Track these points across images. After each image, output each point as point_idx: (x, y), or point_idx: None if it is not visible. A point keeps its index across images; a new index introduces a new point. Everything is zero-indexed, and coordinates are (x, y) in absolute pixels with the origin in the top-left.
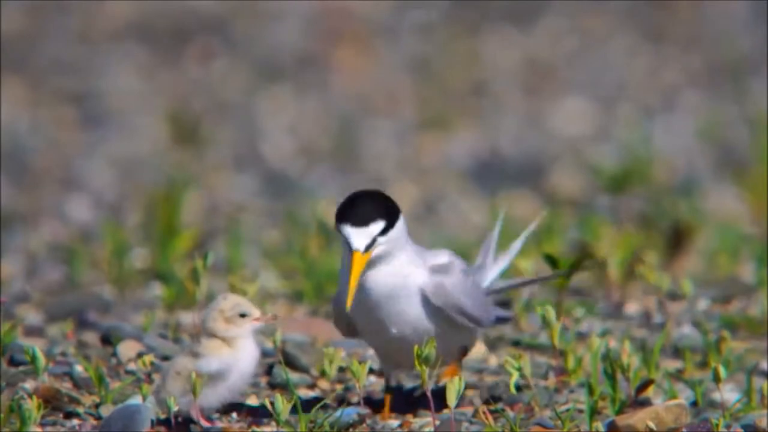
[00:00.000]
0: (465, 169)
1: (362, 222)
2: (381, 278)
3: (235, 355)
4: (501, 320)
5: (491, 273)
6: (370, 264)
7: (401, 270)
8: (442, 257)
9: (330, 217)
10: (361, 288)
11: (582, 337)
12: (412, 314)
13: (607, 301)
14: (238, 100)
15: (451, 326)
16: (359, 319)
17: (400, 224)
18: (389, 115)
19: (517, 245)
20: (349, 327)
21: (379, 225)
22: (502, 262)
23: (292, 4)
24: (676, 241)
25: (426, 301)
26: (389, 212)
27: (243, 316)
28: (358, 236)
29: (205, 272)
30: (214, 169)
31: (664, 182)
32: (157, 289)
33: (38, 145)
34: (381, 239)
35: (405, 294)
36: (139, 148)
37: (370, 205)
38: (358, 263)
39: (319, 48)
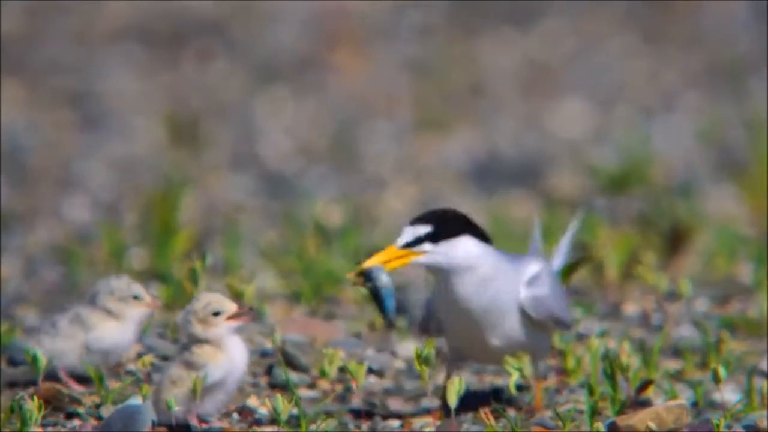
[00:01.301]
0: (463, 170)
1: (412, 222)
2: (473, 290)
3: (230, 358)
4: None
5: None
6: (455, 275)
7: (494, 284)
8: (533, 266)
9: (328, 217)
10: (455, 299)
11: (581, 337)
12: (508, 326)
13: (606, 302)
14: (236, 101)
15: (544, 331)
16: (450, 326)
17: (468, 243)
18: (387, 116)
19: (565, 243)
20: (436, 328)
21: (425, 228)
22: (559, 260)
23: (290, 5)
24: (675, 241)
25: (525, 314)
26: (450, 223)
27: (216, 314)
28: (404, 233)
29: (203, 272)
30: (211, 169)
31: (662, 183)
32: (155, 290)
33: (36, 145)
34: (429, 247)
35: (503, 309)
36: (137, 148)
37: (429, 213)
38: (386, 252)
39: (317, 49)
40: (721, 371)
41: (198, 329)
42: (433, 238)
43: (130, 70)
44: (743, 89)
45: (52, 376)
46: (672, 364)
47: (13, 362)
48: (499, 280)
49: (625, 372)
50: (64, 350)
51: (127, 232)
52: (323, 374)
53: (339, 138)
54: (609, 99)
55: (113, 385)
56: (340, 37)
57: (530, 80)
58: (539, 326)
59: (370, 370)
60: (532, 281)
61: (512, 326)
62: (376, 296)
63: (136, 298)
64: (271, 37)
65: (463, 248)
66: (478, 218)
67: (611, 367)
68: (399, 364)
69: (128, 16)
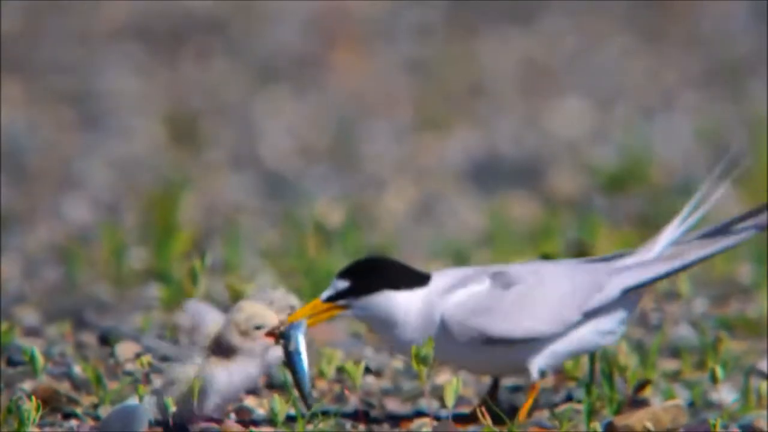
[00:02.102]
0: (463, 170)
1: (337, 275)
2: (405, 338)
3: (229, 367)
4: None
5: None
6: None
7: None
8: (467, 288)
9: (328, 217)
10: (393, 344)
11: None
12: (457, 355)
13: None
14: (236, 101)
15: (501, 351)
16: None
17: (385, 297)
18: (387, 115)
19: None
20: None
21: (344, 283)
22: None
23: (289, 4)
24: None
25: (453, 337)
26: (368, 277)
27: (258, 328)
28: (331, 285)
29: (203, 273)
30: (211, 169)
31: (662, 183)
32: (155, 290)
33: (36, 145)
34: (349, 302)
35: (438, 341)
36: (136, 148)
37: (349, 269)
38: (312, 306)
39: (316, 49)
40: (719, 371)
41: (237, 340)
42: (352, 293)
43: (129, 69)
44: (742, 89)
45: None
46: (670, 364)
47: (12, 362)
48: (424, 320)
49: (622, 372)
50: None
51: (127, 232)
52: (321, 374)
53: (339, 138)
54: (609, 98)
55: (111, 385)
56: (339, 37)
57: (530, 80)
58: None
59: (368, 370)
60: (457, 305)
61: (444, 349)
62: (289, 363)
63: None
64: (270, 36)
65: (383, 303)
66: (477, 218)
67: (609, 367)
68: (397, 364)
69: (128, 16)
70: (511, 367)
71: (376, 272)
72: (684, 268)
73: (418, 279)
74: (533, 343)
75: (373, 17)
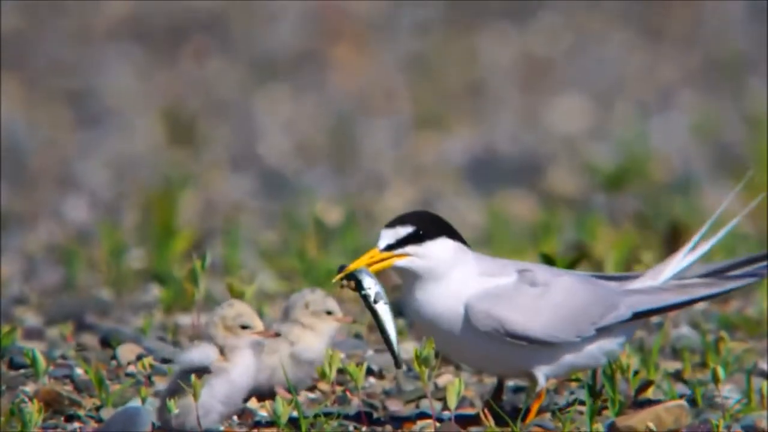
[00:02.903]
0: (462, 168)
1: (391, 224)
2: (433, 299)
3: (226, 367)
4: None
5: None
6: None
7: (451, 291)
8: (502, 277)
9: (327, 216)
10: (417, 306)
11: None
12: (463, 340)
13: None
14: (235, 99)
15: (516, 348)
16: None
17: (446, 244)
18: (386, 113)
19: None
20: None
21: (407, 229)
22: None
23: (288, 3)
24: (673, 239)
25: (472, 326)
26: (429, 225)
27: (245, 327)
28: (383, 236)
29: (203, 273)
30: (210, 168)
31: (661, 180)
32: (155, 291)
33: (35, 145)
34: (412, 249)
35: (451, 319)
36: (135, 147)
37: (408, 215)
38: (368, 256)
39: (315, 46)
40: (720, 371)
41: (220, 335)
42: (415, 239)
43: (128, 68)
44: (741, 86)
45: None
46: (671, 365)
47: (13, 365)
48: (458, 284)
49: (624, 372)
50: (276, 366)
51: (127, 232)
52: (323, 376)
53: (338, 136)
54: (607, 96)
55: (113, 387)
56: (338, 35)
57: (528, 76)
58: (501, 341)
59: (370, 372)
60: (483, 293)
61: (467, 340)
62: (375, 315)
63: (329, 313)
64: (269, 34)
65: (446, 249)
66: (476, 216)
67: (611, 368)
68: None
69: (126, 15)
70: (517, 369)
71: (436, 220)
72: (691, 302)
73: (465, 241)
74: (546, 348)
75: (371, 15)
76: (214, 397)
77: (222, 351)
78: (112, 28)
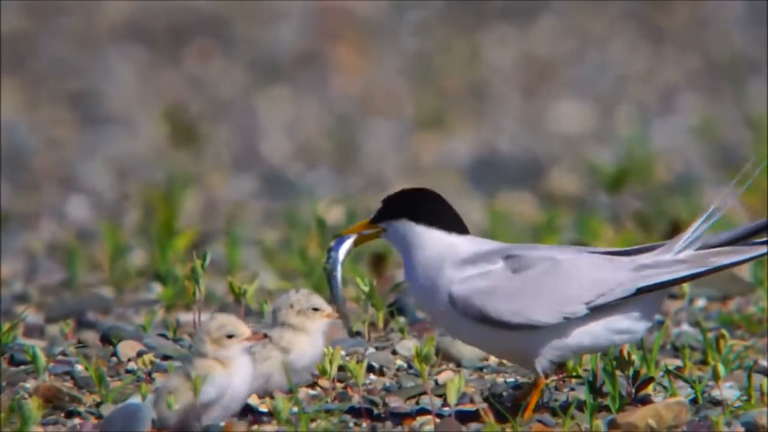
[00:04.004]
0: (463, 169)
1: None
2: (414, 274)
3: (229, 377)
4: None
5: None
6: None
7: (429, 272)
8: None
9: (329, 217)
10: (407, 279)
11: None
12: (447, 321)
13: None
14: (237, 100)
15: (498, 332)
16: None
17: (405, 227)
18: (388, 114)
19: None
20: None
21: (382, 205)
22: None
23: (290, 3)
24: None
25: (455, 311)
26: (397, 204)
27: (231, 336)
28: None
29: (203, 272)
30: (212, 169)
31: (662, 181)
32: (157, 289)
33: (37, 145)
34: (385, 224)
35: (436, 300)
36: (137, 148)
37: (399, 192)
38: (359, 225)
39: (317, 48)
40: (720, 369)
41: (209, 349)
42: (384, 216)
43: (130, 69)
44: (742, 88)
45: None
46: (672, 362)
47: (14, 362)
48: (434, 269)
49: (625, 369)
50: (271, 373)
51: (129, 231)
52: (323, 372)
53: (340, 136)
54: (609, 97)
55: (113, 384)
56: (340, 36)
57: (530, 78)
58: (484, 325)
59: (370, 369)
60: (465, 281)
61: (451, 322)
62: (328, 275)
63: (316, 309)
64: (271, 35)
65: (403, 230)
66: (478, 217)
67: (611, 365)
68: (400, 362)
69: (128, 16)
70: (514, 355)
71: (407, 200)
72: (702, 274)
73: (450, 224)
74: (534, 332)
75: (373, 16)
76: (212, 401)
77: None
78: (114, 29)
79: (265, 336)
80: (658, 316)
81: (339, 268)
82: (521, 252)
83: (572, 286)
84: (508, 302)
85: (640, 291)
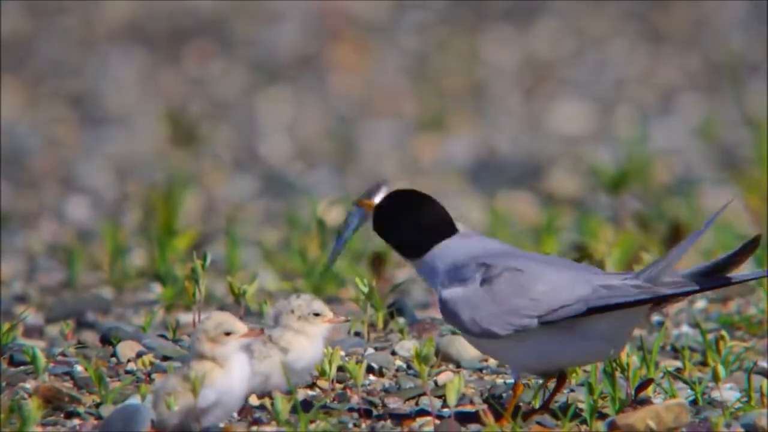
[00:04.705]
0: (463, 170)
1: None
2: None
3: (228, 379)
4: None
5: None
6: None
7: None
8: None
9: (329, 217)
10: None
11: None
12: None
13: None
14: (237, 101)
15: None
16: None
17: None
18: (388, 115)
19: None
20: None
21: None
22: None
23: (290, 4)
24: (674, 240)
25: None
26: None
27: (228, 334)
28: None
29: (204, 273)
30: (212, 169)
31: (662, 182)
32: (157, 290)
33: (37, 145)
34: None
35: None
36: (137, 148)
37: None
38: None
39: (317, 48)
40: (720, 370)
41: (207, 347)
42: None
43: (130, 70)
44: (742, 88)
45: None
46: (671, 363)
47: (14, 362)
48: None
49: (624, 371)
50: (270, 372)
51: (128, 232)
52: (323, 373)
53: (339, 137)
54: (608, 98)
55: (113, 384)
56: (340, 37)
57: (530, 79)
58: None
59: (370, 369)
60: (448, 293)
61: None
62: (339, 232)
63: (317, 314)
64: (271, 36)
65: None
66: (478, 217)
67: (611, 366)
68: (399, 362)
69: (128, 16)
70: (500, 360)
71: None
72: (653, 299)
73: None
74: (497, 342)
75: (373, 17)
76: (213, 404)
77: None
78: (114, 29)
79: (263, 331)
80: (658, 317)
81: (352, 229)
82: (492, 260)
83: (525, 298)
84: (472, 311)
85: (590, 311)
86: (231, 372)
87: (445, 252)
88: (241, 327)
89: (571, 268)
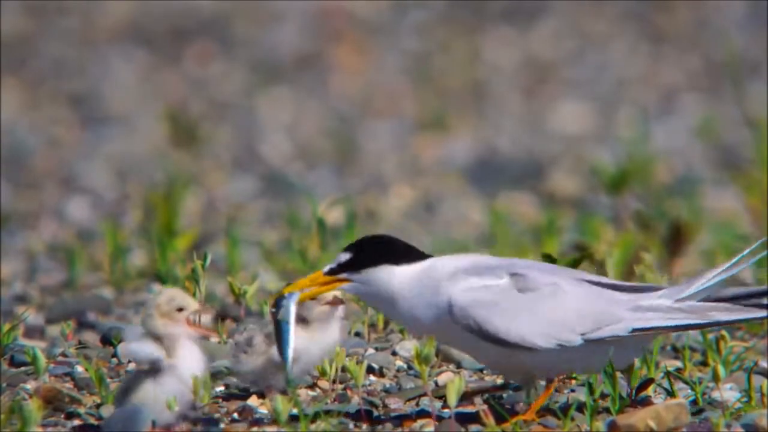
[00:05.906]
0: (464, 170)
1: (344, 248)
2: (401, 313)
3: (172, 361)
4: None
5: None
6: None
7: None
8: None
9: (329, 217)
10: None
11: None
12: (454, 340)
13: None
14: (237, 101)
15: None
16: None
17: (384, 272)
18: (388, 115)
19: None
20: None
21: (346, 255)
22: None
23: (290, 4)
24: (675, 240)
25: (457, 325)
26: (368, 251)
27: (180, 310)
28: (334, 259)
29: (204, 273)
30: (213, 169)
31: (662, 182)
32: (157, 290)
33: (38, 145)
34: (348, 275)
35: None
36: (138, 148)
37: (359, 240)
38: (311, 278)
39: (317, 48)
40: (721, 370)
41: (159, 324)
42: (353, 266)
43: (131, 70)
44: (742, 88)
45: None
46: (672, 363)
47: (14, 362)
48: (427, 299)
49: (625, 371)
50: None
51: (129, 232)
52: (323, 374)
53: (340, 137)
54: (609, 98)
55: (113, 385)
56: (340, 37)
57: (531, 79)
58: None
59: (370, 370)
60: (466, 291)
61: (445, 331)
62: (276, 333)
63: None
64: (271, 36)
65: (382, 276)
66: (478, 217)
67: (611, 366)
68: (399, 363)
69: (129, 16)
70: (508, 369)
71: (377, 247)
72: (700, 326)
73: (419, 257)
74: (528, 352)
75: (373, 17)
76: (165, 394)
77: (164, 345)
78: (114, 29)
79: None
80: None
81: (292, 319)
82: (527, 272)
83: (571, 315)
84: (508, 320)
85: (634, 331)
86: (181, 359)
87: (438, 269)
88: (192, 303)
89: (599, 284)
